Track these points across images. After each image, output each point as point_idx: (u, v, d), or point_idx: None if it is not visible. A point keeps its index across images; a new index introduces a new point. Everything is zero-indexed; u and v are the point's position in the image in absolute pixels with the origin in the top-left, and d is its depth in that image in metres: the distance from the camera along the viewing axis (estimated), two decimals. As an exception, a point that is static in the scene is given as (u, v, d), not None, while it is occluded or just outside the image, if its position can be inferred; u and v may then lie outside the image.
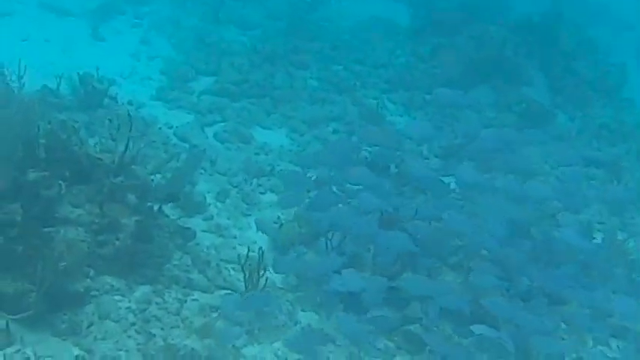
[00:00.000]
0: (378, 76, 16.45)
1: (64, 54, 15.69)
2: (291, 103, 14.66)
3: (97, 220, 9.29)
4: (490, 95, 15.86)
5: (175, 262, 9.78)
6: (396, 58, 17.42)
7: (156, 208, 10.07)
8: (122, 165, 9.62)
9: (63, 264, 8.38)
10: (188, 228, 10.37)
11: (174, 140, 13.10)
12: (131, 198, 9.56)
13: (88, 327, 8.64)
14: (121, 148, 9.81)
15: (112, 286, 9.16)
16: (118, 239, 9.27)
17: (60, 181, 9.29)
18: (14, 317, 8.26)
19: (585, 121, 16.42)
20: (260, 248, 9.64)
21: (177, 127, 13.48)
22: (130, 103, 14.04)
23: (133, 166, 9.77)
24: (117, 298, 9.11)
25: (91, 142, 11.82)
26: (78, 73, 13.48)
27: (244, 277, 9.59)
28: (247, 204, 11.76)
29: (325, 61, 16.74)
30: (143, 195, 9.69)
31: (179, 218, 10.87)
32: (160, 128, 13.23)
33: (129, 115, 9.65)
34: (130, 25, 17.76)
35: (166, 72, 15.59)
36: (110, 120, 10.00)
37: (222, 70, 15.45)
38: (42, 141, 9.39)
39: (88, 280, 9.00)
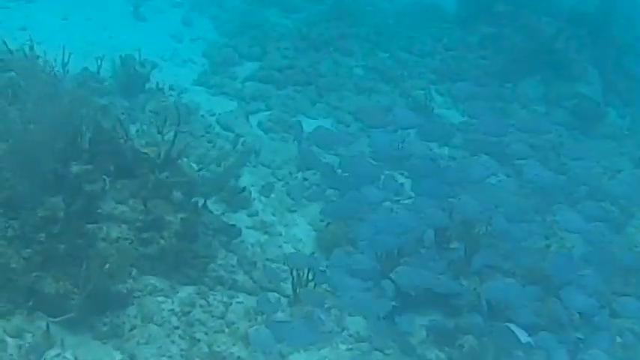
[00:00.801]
0: (425, 65, 15.94)
1: (105, 33, 15.26)
2: (337, 92, 14.17)
3: (141, 217, 8.98)
4: (539, 89, 15.37)
5: (220, 262, 9.40)
6: (443, 47, 16.86)
7: (200, 203, 9.69)
8: (168, 160, 9.25)
9: (108, 266, 8.00)
10: (233, 225, 10.03)
11: (217, 129, 12.70)
12: (176, 195, 9.23)
13: (131, 330, 8.33)
14: (167, 142, 9.42)
15: (155, 286, 8.84)
16: (162, 238, 8.95)
17: (104, 176, 8.93)
18: (55, 320, 7.91)
19: (635, 119, 15.83)
20: (312, 254, 9.20)
21: (220, 114, 13.08)
22: (171, 88, 13.66)
23: (179, 161, 9.36)
24: (160, 299, 8.80)
25: (132, 129, 11.53)
26: (120, 56, 13.11)
27: (292, 279, 9.18)
28: (293, 199, 11.33)
29: (371, 47, 16.24)
30: (189, 191, 9.32)
31: (223, 214, 10.50)
32: (202, 116, 12.80)
33: (177, 109, 9.22)
34: (171, 4, 17.32)
35: (209, 55, 15.19)
36: (157, 112, 9.57)
37: (267, 55, 14.98)
38: (86, 132, 9.00)
39: (131, 280, 8.63)
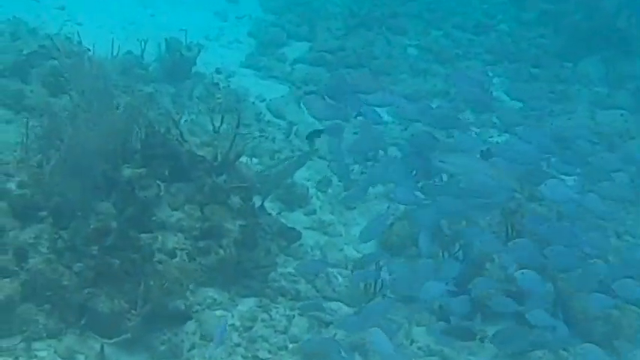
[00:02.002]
0: (480, 44, 15.24)
1: (146, 12, 14.66)
2: (391, 75, 13.49)
3: (197, 225, 8.41)
4: (600, 69, 14.63)
5: (281, 270, 8.80)
6: (498, 24, 16.12)
7: (258, 204, 9.11)
8: (226, 162, 8.65)
9: (167, 284, 7.44)
10: (293, 228, 9.43)
11: (268, 116, 12.08)
12: (235, 199, 8.62)
13: (190, 350, 7.73)
14: (223, 138, 8.84)
15: (214, 299, 8.29)
16: (221, 247, 8.37)
17: (158, 181, 8.35)
18: (110, 341, 7.36)
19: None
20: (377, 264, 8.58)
21: (270, 100, 12.45)
22: (218, 71, 13.05)
23: (237, 163, 8.77)
24: (219, 313, 8.19)
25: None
26: (165, 40, 12.50)
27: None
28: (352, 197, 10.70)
29: (423, 25, 15.54)
30: (248, 195, 8.72)
31: (279, 213, 9.92)
32: (252, 103, 12.20)
33: (236, 109, 8.62)
34: (214, -22, 16.67)
35: (255, 34, 14.60)
36: (212, 110, 8.97)
37: (317, 35, 14.31)
38: (139, 134, 8.43)
39: (189, 294, 8.05)
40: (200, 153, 8.71)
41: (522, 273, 8.31)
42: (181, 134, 8.60)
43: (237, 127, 8.34)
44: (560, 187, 8.78)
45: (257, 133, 10.91)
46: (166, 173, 8.48)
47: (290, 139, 11.38)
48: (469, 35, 15.69)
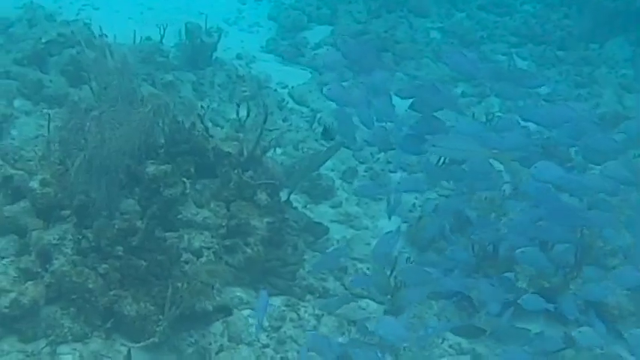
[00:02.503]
0: (504, 26, 14.89)
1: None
2: (415, 59, 13.21)
3: (224, 223, 8.19)
4: (626, 50, 14.31)
5: (309, 268, 8.59)
6: (521, 5, 15.78)
7: (284, 198, 8.91)
8: (252, 158, 8.43)
9: (195, 286, 7.25)
10: (320, 223, 9.22)
11: (291, 104, 11.84)
12: (262, 196, 8.39)
13: (218, 353, 7.55)
14: (249, 130, 8.63)
15: (241, 299, 8.09)
16: (248, 245, 8.15)
17: (184, 179, 8.14)
18: (136, 345, 7.18)
19: None
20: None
21: (292, 87, 12.21)
22: (239, 57, 12.82)
23: (264, 159, 8.55)
24: (246, 313, 7.98)
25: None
26: (185, 25, 12.25)
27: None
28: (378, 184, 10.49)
29: (447, 7, 15.18)
30: (275, 192, 8.51)
31: (305, 206, 9.71)
32: (275, 90, 11.95)
33: (265, 105, 8.37)
34: (231, -41, 16.37)
35: (275, 17, 14.31)
36: (238, 104, 8.74)
37: (338, 19, 14.01)
38: (163, 129, 8.23)
39: (215, 293, 7.86)
40: (225, 148, 8.46)
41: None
42: (207, 129, 8.36)
43: (265, 122, 8.04)
44: (551, 169, 8.43)
45: (283, 126, 10.63)
46: (192, 170, 8.24)
47: (314, 127, 11.11)
48: (493, 17, 15.31)
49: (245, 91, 10.93)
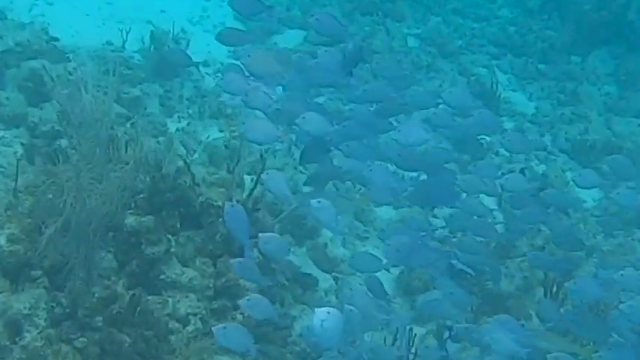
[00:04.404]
0: (483, 33, 14.22)
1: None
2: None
3: (211, 285, 7.40)
4: (608, 64, 13.75)
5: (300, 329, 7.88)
6: (499, 9, 15.11)
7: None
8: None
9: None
10: (309, 274, 8.50)
11: (266, 118, 10.98)
12: (253, 254, 7.58)
13: None
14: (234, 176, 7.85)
15: (230, 368, 7.28)
16: (237, 308, 7.38)
17: (169, 235, 7.33)
18: None
19: None
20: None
21: (267, 102, 11.33)
22: (205, 63, 11.89)
23: (256, 214, 7.77)
24: (236, 387, 7.24)
25: (172, 125, 9.97)
26: (151, 31, 11.34)
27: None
28: (362, 222, 9.75)
29: (422, 11, 14.42)
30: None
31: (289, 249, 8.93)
32: (247, 106, 11.09)
33: (262, 157, 7.57)
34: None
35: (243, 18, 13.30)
36: (226, 146, 7.92)
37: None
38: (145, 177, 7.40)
39: (202, 364, 7.10)
40: (213, 197, 7.64)
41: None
42: (193, 178, 7.52)
43: (261, 173, 7.23)
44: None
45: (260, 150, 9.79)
46: (177, 226, 7.42)
47: (292, 151, 10.29)
48: (470, 22, 14.62)
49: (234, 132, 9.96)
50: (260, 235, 6.56)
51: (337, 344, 5.78)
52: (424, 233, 7.53)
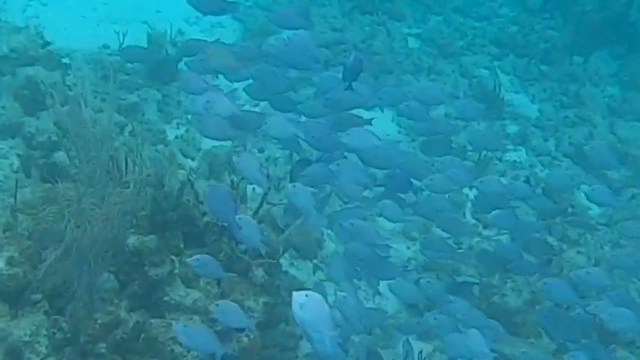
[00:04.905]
0: (483, 33, 14.01)
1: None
2: (394, 73, 12.22)
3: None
4: (611, 65, 13.58)
5: (305, 348, 7.71)
6: (499, 8, 14.89)
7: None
8: (248, 228, 7.41)
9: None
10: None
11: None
12: (258, 272, 7.42)
13: None
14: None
15: (235, 396, 7.09)
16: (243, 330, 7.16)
17: (172, 256, 7.12)
18: None
19: None
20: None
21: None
22: (203, 67, 11.62)
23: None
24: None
25: (171, 133, 9.76)
26: (148, 34, 11.10)
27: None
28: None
29: (422, 10, 14.19)
30: (272, 267, 7.54)
31: (292, 263, 8.80)
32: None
33: (268, 175, 7.36)
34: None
35: (240, 17, 13.09)
36: (232, 182, 7.71)
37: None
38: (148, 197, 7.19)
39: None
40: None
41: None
42: (197, 196, 7.32)
43: (267, 192, 7.05)
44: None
45: (260, 159, 9.60)
46: (181, 246, 7.21)
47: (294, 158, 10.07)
48: (471, 21, 14.40)
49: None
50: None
51: (323, 326, 5.58)
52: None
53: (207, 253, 7.19)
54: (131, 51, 9.41)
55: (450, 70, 12.94)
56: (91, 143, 6.65)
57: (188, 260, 6.46)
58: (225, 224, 6.64)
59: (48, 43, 10.21)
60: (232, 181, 7.73)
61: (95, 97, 8.93)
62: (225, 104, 7.04)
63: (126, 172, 6.97)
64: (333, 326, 5.41)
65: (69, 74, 9.25)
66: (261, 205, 7.47)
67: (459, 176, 7.68)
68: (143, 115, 10.16)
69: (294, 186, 6.62)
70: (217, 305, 6.29)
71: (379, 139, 7.24)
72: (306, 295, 5.38)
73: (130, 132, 9.30)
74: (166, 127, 10.23)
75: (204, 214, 7.45)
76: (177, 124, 10.36)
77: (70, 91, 8.48)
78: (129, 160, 7.04)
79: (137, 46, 9.69)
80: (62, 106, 7.30)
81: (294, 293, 5.45)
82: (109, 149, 6.70)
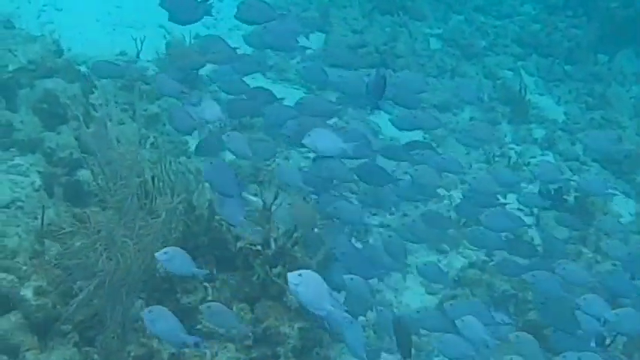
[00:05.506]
0: (505, 32, 13.72)
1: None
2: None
3: (250, 333, 6.96)
4: (635, 64, 13.31)
5: (338, 370, 7.47)
6: (521, 6, 14.60)
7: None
8: (282, 251, 7.19)
9: None
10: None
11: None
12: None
13: None
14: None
15: None
16: (278, 358, 6.94)
17: (205, 283, 6.88)
18: None
19: None
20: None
21: (289, 115, 10.83)
22: (220, 74, 11.36)
23: (293, 252, 7.32)
24: None
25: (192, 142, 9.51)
26: (166, 41, 10.83)
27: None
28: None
29: (442, 9, 13.91)
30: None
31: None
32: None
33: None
34: (205, -48, 14.73)
35: (254, 21, 12.77)
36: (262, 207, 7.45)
37: (331, 26, 12.59)
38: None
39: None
40: (250, 238, 7.19)
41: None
42: (229, 219, 7.07)
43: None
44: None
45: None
46: (214, 272, 6.98)
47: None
48: (492, 20, 14.12)
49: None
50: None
51: (323, 300, 5.42)
52: None
53: (240, 278, 7.02)
54: (102, 66, 8.93)
55: (474, 72, 12.63)
56: (119, 169, 6.40)
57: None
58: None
59: (64, 51, 9.96)
60: (264, 202, 7.45)
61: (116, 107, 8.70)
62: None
63: (155, 198, 6.71)
64: (333, 298, 5.43)
65: (93, 92, 8.93)
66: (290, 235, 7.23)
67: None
68: (164, 125, 9.86)
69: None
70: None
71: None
72: (300, 275, 5.31)
73: (151, 144, 9.05)
74: (188, 137, 9.93)
75: (236, 238, 7.20)
76: (200, 134, 10.04)
77: (95, 111, 8.15)
78: (158, 182, 6.80)
79: (108, 62, 9.20)
80: (85, 122, 7.08)
81: (289, 274, 5.33)
82: (138, 175, 6.46)
